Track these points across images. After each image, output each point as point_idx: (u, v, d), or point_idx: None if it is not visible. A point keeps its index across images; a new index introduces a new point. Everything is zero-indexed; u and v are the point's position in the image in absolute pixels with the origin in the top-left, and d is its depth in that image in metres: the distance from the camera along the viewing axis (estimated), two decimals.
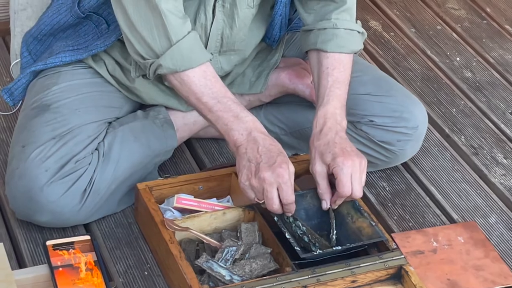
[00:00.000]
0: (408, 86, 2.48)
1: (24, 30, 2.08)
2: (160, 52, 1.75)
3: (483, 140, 2.33)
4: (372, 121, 2.02)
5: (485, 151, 2.29)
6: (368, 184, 2.10)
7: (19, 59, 2.03)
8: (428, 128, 2.23)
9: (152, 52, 1.76)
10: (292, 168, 1.73)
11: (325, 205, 1.81)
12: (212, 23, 1.88)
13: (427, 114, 2.11)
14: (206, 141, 2.18)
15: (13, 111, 2.14)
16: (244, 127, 1.75)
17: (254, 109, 2.08)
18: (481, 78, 2.56)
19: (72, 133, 1.84)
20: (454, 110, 2.43)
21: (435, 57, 2.64)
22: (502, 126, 2.38)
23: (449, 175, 2.20)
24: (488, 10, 2.89)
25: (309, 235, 1.78)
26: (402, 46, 2.68)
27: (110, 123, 1.92)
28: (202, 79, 1.77)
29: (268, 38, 2.01)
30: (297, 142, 2.08)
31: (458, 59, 2.64)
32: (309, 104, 2.04)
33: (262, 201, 1.73)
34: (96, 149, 1.85)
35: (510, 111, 2.44)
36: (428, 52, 2.66)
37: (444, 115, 2.40)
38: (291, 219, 1.78)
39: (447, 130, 2.35)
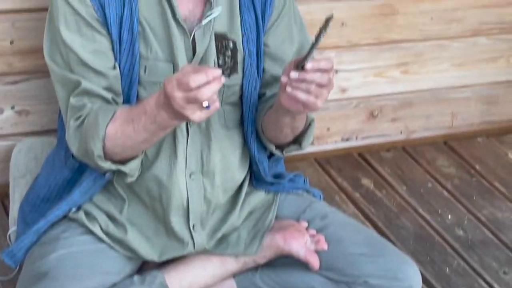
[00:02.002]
0: (401, 245, 2.50)
1: (23, 197, 2.11)
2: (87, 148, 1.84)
3: None
4: (367, 282, 2.03)
5: None
6: None
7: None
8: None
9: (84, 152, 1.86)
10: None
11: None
12: (187, 142, 1.93)
13: (420, 273, 2.12)
14: None
15: (11, 276, 2.14)
16: (153, 104, 1.75)
17: (250, 270, 2.09)
18: (473, 236, 2.59)
19: None
20: (447, 269, 2.44)
21: (427, 215, 2.67)
22: (496, 286, 2.39)
23: None
24: (477, 167, 2.94)
25: None
26: (394, 204, 2.71)
27: None
28: (115, 125, 1.80)
29: (252, 163, 2.05)
30: None
31: (449, 217, 2.67)
32: (305, 266, 2.06)
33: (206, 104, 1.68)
34: None
35: (503, 270, 2.45)
36: (420, 210, 2.69)
37: (437, 275, 2.41)
38: None
39: None
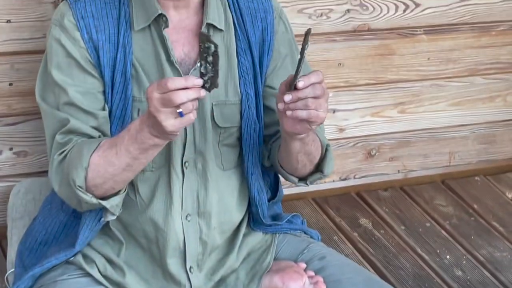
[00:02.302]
0: (400, 286, 2.50)
1: (20, 238, 2.11)
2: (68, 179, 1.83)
3: None
4: None
5: None
6: None
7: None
8: None
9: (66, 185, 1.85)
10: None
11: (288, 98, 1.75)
12: (183, 183, 1.92)
13: None
14: None
15: None
16: (134, 124, 1.76)
17: None
18: (472, 277, 2.58)
19: None
20: None
21: (425, 256, 2.67)
22: None
23: None
24: (475, 206, 2.95)
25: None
26: (393, 244, 2.71)
27: None
28: (98, 153, 1.80)
29: (251, 204, 2.04)
30: None
31: (448, 257, 2.67)
32: None
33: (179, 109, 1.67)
34: None
35: None
36: (419, 250, 2.69)
37: None
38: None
39: None
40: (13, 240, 2.15)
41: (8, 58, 2.32)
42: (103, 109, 1.88)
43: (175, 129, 1.69)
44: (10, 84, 2.34)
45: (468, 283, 2.56)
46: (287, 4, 2.53)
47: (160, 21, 1.88)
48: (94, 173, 1.80)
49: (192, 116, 1.68)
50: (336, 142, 2.88)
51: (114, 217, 1.90)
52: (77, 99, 1.86)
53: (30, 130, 2.42)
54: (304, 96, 1.73)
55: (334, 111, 2.82)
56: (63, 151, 1.86)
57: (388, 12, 2.77)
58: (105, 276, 1.97)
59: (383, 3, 2.75)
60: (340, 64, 2.77)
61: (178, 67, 1.89)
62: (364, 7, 2.73)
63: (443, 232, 2.79)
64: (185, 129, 1.90)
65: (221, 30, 1.93)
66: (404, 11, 2.79)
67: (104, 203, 1.85)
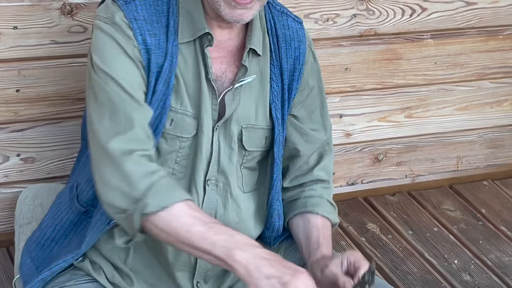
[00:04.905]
0: None
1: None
2: (140, 195, 1.73)
3: None
4: None
5: None
6: None
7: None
8: None
9: (132, 198, 1.74)
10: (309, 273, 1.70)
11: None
12: (203, 200, 1.92)
13: None
14: None
15: None
16: (245, 245, 1.69)
17: None
18: (480, 281, 2.58)
19: None
20: None
21: (433, 260, 2.66)
22: None
23: None
24: (483, 211, 2.94)
25: None
26: (400, 249, 2.71)
27: None
28: (190, 210, 1.74)
29: (267, 228, 2.04)
30: None
31: (456, 261, 2.66)
32: None
33: None
34: None
35: None
36: (426, 255, 2.68)
37: None
38: None
39: None
40: (20, 246, 2.15)
41: (15, 64, 2.32)
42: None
43: None
44: (17, 91, 2.35)
45: (476, 287, 2.55)
46: (293, 10, 2.53)
47: (204, 38, 1.87)
48: (169, 218, 1.73)
49: None
50: (343, 147, 2.88)
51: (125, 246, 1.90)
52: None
53: (37, 137, 2.42)
54: None
55: (341, 116, 2.82)
56: (148, 154, 1.78)
57: (394, 16, 2.77)
58: (112, 283, 1.96)
59: (389, 8, 2.75)
60: (347, 69, 2.77)
61: (214, 84, 1.87)
62: (371, 12, 2.73)
63: (451, 236, 2.79)
64: (211, 146, 1.90)
65: (259, 55, 1.93)
66: (411, 15, 2.79)
67: (139, 236, 1.81)
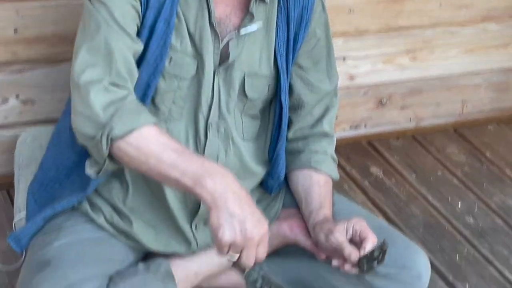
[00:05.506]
0: (411, 234, 2.48)
1: (28, 186, 2.10)
2: (106, 119, 1.70)
3: None
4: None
5: None
6: None
7: (23, 216, 2.04)
8: (431, 276, 2.21)
9: (99, 124, 1.71)
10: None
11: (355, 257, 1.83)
12: (205, 145, 1.90)
13: (430, 262, 2.10)
14: None
15: (16, 265, 2.13)
16: (216, 174, 1.67)
17: None
18: (484, 224, 2.57)
19: None
20: (457, 257, 2.42)
21: (437, 203, 2.65)
22: (507, 273, 2.37)
23: None
24: (487, 154, 2.92)
25: None
26: (404, 192, 2.70)
27: (111, 276, 1.92)
28: (159, 136, 1.71)
29: (272, 177, 2.04)
30: None
31: (460, 204, 2.65)
32: (312, 255, 2.04)
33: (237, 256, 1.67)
34: None
35: None
36: (430, 198, 2.67)
37: (447, 263, 2.39)
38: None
39: (451, 278, 2.34)
40: (20, 187, 2.15)
41: (13, 4, 2.29)
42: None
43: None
44: (15, 31, 2.31)
45: (479, 230, 2.54)
46: None
47: None
48: (137, 143, 1.70)
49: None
50: (347, 90, 2.85)
51: (95, 178, 1.84)
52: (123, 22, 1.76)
53: (36, 78, 2.39)
54: None
55: (344, 58, 2.78)
56: (117, 84, 1.74)
57: None
58: (111, 224, 1.96)
59: None
60: (351, 10, 2.72)
61: (216, 29, 1.84)
62: None
63: (455, 180, 2.77)
64: (212, 91, 1.88)
65: (266, 2, 1.89)
66: None
67: (110, 165, 1.78)
